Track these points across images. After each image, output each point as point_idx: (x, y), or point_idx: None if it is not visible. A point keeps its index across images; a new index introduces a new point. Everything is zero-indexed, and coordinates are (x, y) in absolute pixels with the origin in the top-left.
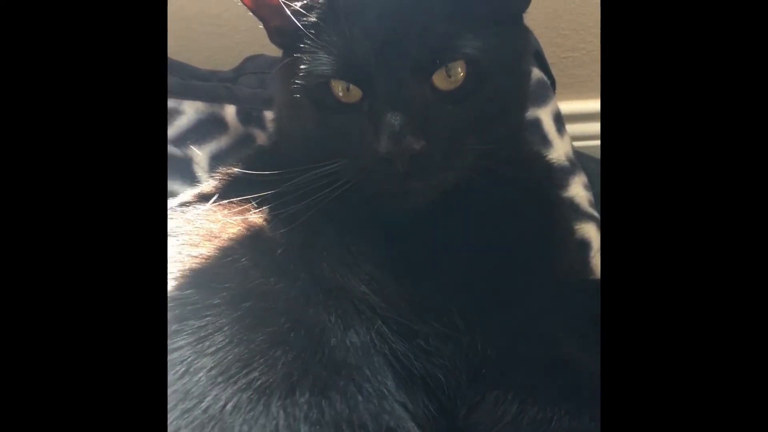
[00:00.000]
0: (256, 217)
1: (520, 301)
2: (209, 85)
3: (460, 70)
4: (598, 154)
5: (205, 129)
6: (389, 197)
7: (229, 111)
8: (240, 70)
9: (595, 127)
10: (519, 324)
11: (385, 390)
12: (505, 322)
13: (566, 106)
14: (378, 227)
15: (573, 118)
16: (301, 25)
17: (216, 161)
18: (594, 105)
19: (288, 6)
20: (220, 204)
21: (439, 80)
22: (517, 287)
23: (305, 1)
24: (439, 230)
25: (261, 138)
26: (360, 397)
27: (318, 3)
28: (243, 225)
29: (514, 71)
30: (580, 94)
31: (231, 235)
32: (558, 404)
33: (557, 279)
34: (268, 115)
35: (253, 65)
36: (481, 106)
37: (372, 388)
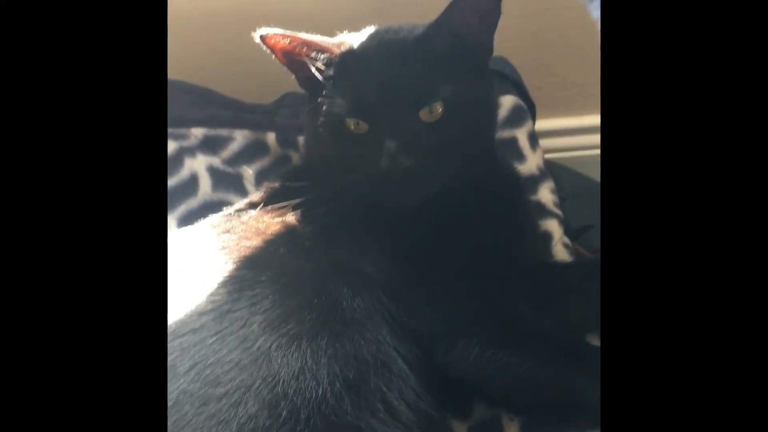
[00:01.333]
0: (292, 218)
1: (488, 276)
2: (255, 117)
3: (439, 107)
4: (580, 165)
5: (252, 152)
6: (389, 201)
7: (271, 137)
8: (279, 104)
9: (569, 141)
10: (485, 291)
11: (381, 338)
12: (474, 290)
13: (546, 124)
14: (380, 224)
15: (551, 134)
16: (323, 77)
17: (261, 177)
18: (569, 122)
19: (313, 62)
20: (265, 209)
21: (424, 115)
22: (486, 266)
23: (325, 59)
24: (427, 225)
25: (295, 158)
26: (363, 342)
27: (334, 60)
28: (282, 224)
29: (482, 106)
30: (564, 112)
31: (274, 232)
32: (508, 346)
33: (520, 261)
34: (301, 140)
35: (289, 100)
36: (457, 133)
37: (372, 336)
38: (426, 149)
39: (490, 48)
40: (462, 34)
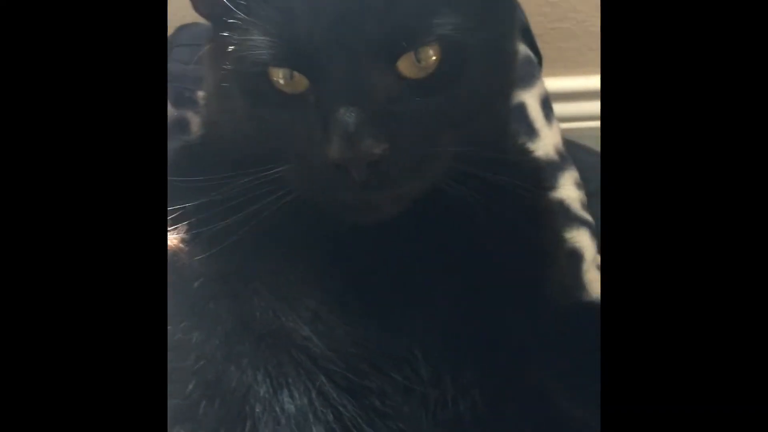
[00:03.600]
0: (171, 237)
1: (502, 340)
2: None
3: (432, 53)
4: (587, 138)
5: None
6: (342, 211)
7: None
8: (172, 41)
9: (585, 107)
10: (500, 371)
11: None
12: (484, 370)
13: (552, 84)
14: (327, 249)
15: (559, 97)
16: None
17: None
18: (584, 82)
19: None
20: None
21: (406, 66)
22: (498, 322)
23: None
24: (403, 251)
25: (195, 123)
26: None
27: None
28: None
29: (499, 52)
30: (569, 69)
31: None
32: None
33: (547, 307)
34: (202, 96)
35: (187, 36)
36: (459, 96)
37: None
38: (409, 125)
39: None
40: None
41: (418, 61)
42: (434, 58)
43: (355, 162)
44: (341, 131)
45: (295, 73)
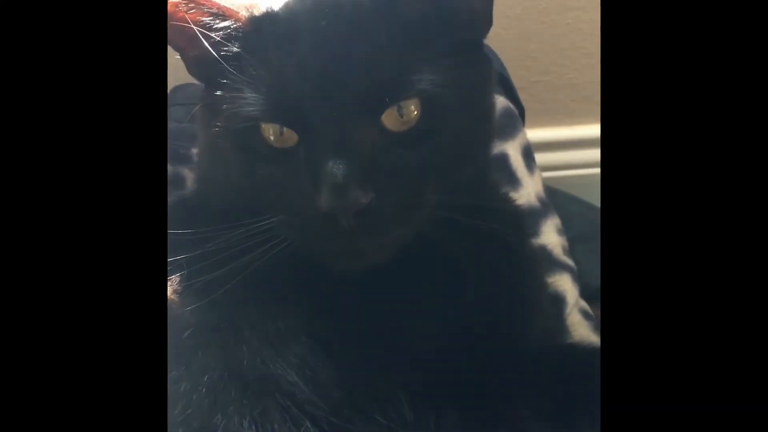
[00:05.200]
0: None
1: (485, 382)
2: None
3: (413, 108)
4: (570, 186)
5: None
6: (331, 259)
7: None
8: (168, 101)
9: (569, 156)
10: (483, 413)
11: None
12: (467, 411)
13: (536, 135)
14: (316, 296)
15: (543, 147)
16: (221, 56)
17: None
18: (567, 132)
19: (206, 35)
20: None
21: (390, 121)
22: (481, 365)
23: (226, 30)
24: (388, 296)
25: (190, 178)
26: None
27: (242, 29)
28: None
29: (476, 105)
30: (552, 121)
31: None
32: None
33: (530, 350)
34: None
35: (182, 95)
36: (440, 148)
37: None
38: (393, 176)
39: (488, 18)
40: None
41: (401, 115)
42: (415, 112)
43: (344, 211)
44: (330, 183)
45: (285, 129)
